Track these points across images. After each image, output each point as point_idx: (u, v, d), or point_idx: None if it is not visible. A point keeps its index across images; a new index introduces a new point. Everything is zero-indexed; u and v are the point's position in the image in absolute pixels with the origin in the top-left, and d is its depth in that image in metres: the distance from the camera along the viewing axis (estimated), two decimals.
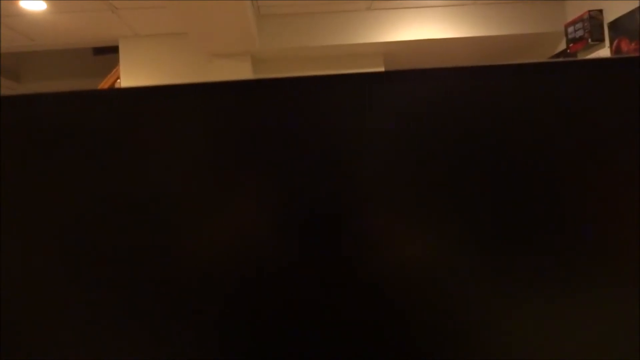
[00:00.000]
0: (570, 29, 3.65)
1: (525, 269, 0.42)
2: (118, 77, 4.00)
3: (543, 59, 4.17)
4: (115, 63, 4.07)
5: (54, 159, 0.41)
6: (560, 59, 0.43)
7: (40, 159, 0.41)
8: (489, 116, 0.42)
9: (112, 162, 0.41)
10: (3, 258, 0.41)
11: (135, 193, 0.41)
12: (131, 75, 3.96)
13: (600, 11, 3.46)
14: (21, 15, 3.45)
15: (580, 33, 3.55)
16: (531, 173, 0.42)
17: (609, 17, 3.40)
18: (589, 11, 3.46)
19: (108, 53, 4.31)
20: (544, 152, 0.42)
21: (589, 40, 3.46)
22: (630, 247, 0.42)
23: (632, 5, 3.18)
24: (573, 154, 0.42)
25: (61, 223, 0.41)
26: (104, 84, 4.08)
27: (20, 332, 0.41)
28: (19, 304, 0.41)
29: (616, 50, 3.36)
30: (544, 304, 0.42)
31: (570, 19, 3.72)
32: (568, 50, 3.73)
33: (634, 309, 0.42)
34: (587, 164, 0.42)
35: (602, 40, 3.44)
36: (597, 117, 0.42)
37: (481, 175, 0.42)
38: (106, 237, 0.41)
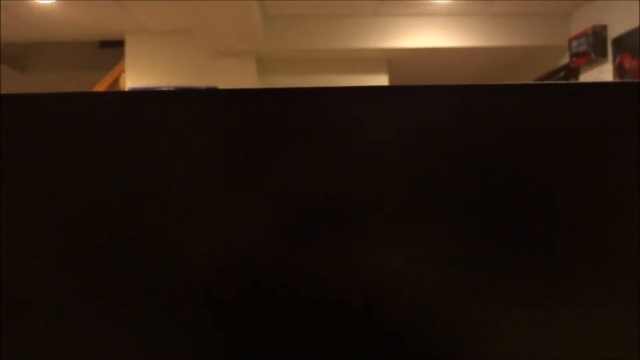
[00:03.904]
0: (574, 43, 3.67)
1: (525, 278, 0.43)
2: (122, 71, 4.01)
3: (547, 71, 4.18)
4: (120, 56, 4.08)
5: (53, 159, 0.42)
6: (557, 82, 0.44)
7: (39, 159, 0.42)
8: (487, 135, 0.43)
9: (112, 164, 0.42)
10: (2, 257, 0.42)
11: (135, 196, 0.42)
12: (136, 70, 3.97)
13: (605, 27, 3.47)
14: (30, 6, 3.46)
15: (583, 47, 3.57)
16: (530, 191, 0.43)
17: (613, 33, 3.41)
18: (593, 26, 3.48)
19: (114, 47, 4.32)
20: (542, 172, 0.43)
21: (592, 55, 3.48)
22: (630, 255, 0.43)
23: (635, 23, 3.20)
24: (572, 175, 0.43)
25: (59, 224, 0.42)
26: (109, 78, 4.08)
27: (19, 332, 0.42)
28: (18, 304, 0.42)
29: (619, 66, 3.37)
30: (544, 306, 0.43)
31: (574, 33, 3.74)
32: (571, 64, 3.74)
33: (634, 309, 0.43)
34: (585, 186, 0.43)
35: (605, 55, 3.46)
36: (596, 140, 0.43)
37: (480, 191, 0.43)
38: (105, 238, 0.42)
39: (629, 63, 3.28)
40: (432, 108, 0.43)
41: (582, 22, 3.69)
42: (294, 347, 0.42)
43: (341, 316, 0.43)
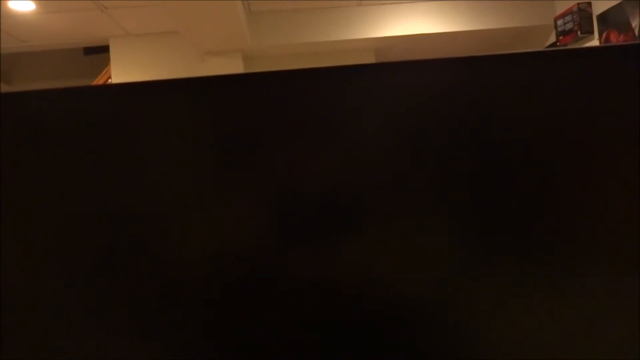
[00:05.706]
0: (560, 22, 3.66)
1: (526, 268, 0.42)
2: (109, 77, 3.98)
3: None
4: (106, 63, 4.05)
5: (49, 155, 0.42)
6: (556, 48, 0.43)
7: (35, 155, 0.42)
8: (485, 108, 0.42)
9: (107, 158, 0.42)
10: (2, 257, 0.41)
11: (129, 189, 0.42)
12: (122, 74, 3.94)
13: (589, 4, 3.46)
14: (10, 16, 3.42)
15: (569, 26, 3.56)
16: (528, 166, 0.42)
17: (598, 9, 3.41)
18: (578, 4, 3.47)
19: (99, 53, 4.29)
20: (541, 144, 0.42)
21: (579, 32, 3.47)
22: (631, 246, 0.42)
23: None
24: (571, 146, 0.42)
25: (54, 220, 0.42)
26: (95, 84, 4.05)
27: (17, 332, 0.41)
28: (16, 303, 0.41)
29: (605, 42, 3.37)
30: (544, 305, 0.42)
31: (559, 11, 3.73)
32: (558, 43, 3.74)
33: (634, 308, 0.42)
34: (586, 157, 0.42)
35: (591, 32, 3.45)
36: (596, 106, 0.42)
37: (478, 169, 0.42)
38: (98, 233, 0.42)
39: (615, 39, 3.27)
40: (433, 81, 0.42)
41: (566, 0, 3.68)
42: (292, 346, 0.42)
43: (341, 315, 0.42)
